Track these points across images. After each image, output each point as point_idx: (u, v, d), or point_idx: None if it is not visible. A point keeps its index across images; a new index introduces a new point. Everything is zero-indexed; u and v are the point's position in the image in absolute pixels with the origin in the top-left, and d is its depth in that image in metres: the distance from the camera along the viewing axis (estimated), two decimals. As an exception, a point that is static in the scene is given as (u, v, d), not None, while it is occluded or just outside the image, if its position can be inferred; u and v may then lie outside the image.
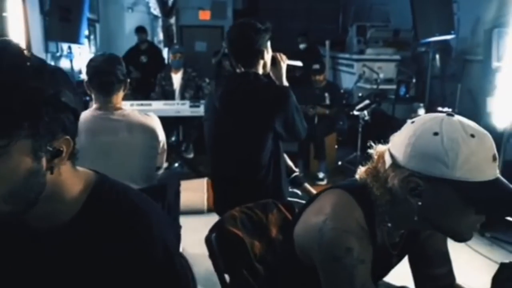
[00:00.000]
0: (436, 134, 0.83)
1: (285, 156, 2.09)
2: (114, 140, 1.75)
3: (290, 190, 2.04)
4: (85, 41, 5.96)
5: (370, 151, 0.99)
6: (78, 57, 5.58)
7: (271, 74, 1.85)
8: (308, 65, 4.20)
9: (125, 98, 4.92)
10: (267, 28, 1.72)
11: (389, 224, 0.96)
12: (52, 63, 4.26)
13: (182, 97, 4.22)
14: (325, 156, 4.17)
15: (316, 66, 4.18)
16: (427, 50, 4.37)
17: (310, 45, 5.37)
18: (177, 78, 4.24)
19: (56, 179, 0.72)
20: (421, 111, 3.68)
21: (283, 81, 1.82)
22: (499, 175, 0.85)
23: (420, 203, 0.87)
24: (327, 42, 5.84)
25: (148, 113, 1.93)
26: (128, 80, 1.89)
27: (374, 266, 0.99)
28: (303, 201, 1.60)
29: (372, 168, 0.96)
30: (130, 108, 1.95)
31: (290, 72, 1.95)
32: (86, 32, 5.92)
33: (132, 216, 0.79)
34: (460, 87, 4.25)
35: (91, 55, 6.07)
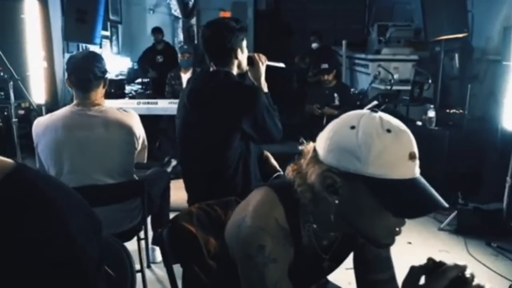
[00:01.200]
0: (352, 128, 0.80)
1: (269, 155, 2.07)
2: (90, 135, 1.80)
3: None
4: (107, 42, 6.20)
5: (300, 147, 0.94)
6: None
7: (249, 74, 1.84)
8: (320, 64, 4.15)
9: (142, 96, 5.03)
10: (241, 27, 1.72)
11: (314, 225, 0.93)
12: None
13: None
14: (332, 158, 4.08)
15: (325, 66, 4.11)
16: (445, 49, 4.19)
17: (322, 45, 5.29)
18: (186, 78, 4.30)
19: None
20: (431, 113, 3.53)
21: (261, 82, 1.81)
22: (417, 176, 0.80)
23: (337, 201, 0.83)
24: (344, 42, 5.73)
25: (128, 110, 1.97)
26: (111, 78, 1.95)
27: (303, 269, 0.96)
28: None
29: (297, 164, 0.92)
30: (113, 105, 2.00)
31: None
32: (107, 33, 6.17)
33: (34, 202, 0.81)
34: (481, 88, 4.04)
35: (113, 56, 6.30)
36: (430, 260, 0.71)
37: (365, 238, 0.88)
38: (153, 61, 5.45)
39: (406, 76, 4.93)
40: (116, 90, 4.92)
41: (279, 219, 0.89)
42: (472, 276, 0.67)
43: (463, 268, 0.68)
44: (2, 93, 4.12)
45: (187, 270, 1.39)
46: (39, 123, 1.83)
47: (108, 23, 6.17)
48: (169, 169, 3.63)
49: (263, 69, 1.84)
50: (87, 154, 1.80)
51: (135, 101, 3.86)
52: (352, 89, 5.28)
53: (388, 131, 0.78)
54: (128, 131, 1.87)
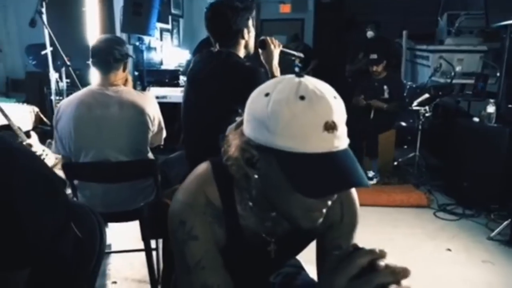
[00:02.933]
0: (266, 95, 0.72)
1: None
2: (106, 113, 1.89)
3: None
4: (167, 35, 6.50)
5: (237, 118, 0.86)
6: (160, 50, 6.11)
7: (261, 58, 1.80)
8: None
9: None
10: (246, 6, 1.67)
11: (250, 203, 0.86)
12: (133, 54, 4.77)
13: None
14: (377, 154, 3.84)
15: (374, 56, 3.88)
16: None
17: (378, 35, 4.97)
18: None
19: None
20: (491, 109, 3.14)
21: (273, 66, 1.75)
22: (338, 149, 0.69)
23: (256, 176, 0.77)
24: (404, 33, 5.34)
25: (144, 92, 2.03)
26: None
27: (245, 252, 0.90)
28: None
29: (227, 136, 0.85)
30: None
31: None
32: (168, 26, 6.46)
33: None
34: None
35: (173, 48, 6.59)
36: (353, 246, 0.62)
37: (285, 219, 0.80)
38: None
39: (472, 68, 4.46)
40: (170, 79, 5.15)
41: (211, 196, 0.85)
42: (387, 266, 0.57)
43: (378, 255, 0.58)
44: (69, 80, 4.53)
45: (166, 244, 1.40)
46: (62, 103, 1.97)
47: (170, 17, 6.45)
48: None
49: (276, 53, 1.78)
50: (102, 131, 1.89)
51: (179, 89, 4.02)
52: (409, 83, 4.92)
53: (302, 98, 0.68)
54: (141, 111, 1.93)
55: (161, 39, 6.21)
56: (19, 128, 2.71)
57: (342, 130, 0.70)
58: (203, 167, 0.90)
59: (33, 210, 0.85)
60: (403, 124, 4.50)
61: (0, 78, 5.35)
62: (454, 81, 4.17)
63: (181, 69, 5.83)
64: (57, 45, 3.19)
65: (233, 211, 0.87)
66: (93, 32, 3.96)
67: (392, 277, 0.56)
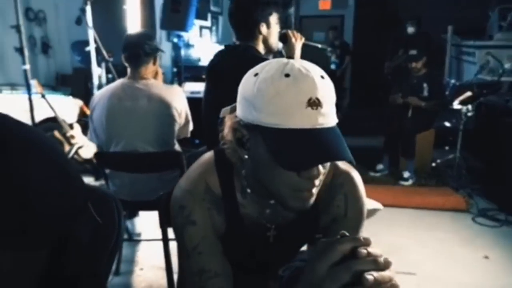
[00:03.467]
0: (256, 75, 0.74)
1: None
2: (135, 105, 1.96)
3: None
4: (207, 32, 6.61)
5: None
6: (198, 47, 6.23)
7: (283, 52, 1.79)
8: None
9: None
10: (270, 1, 1.65)
11: (248, 190, 0.86)
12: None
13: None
14: (414, 155, 3.69)
15: (413, 52, 3.73)
16: None
17: (420, 30, 4.75)
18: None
19: None
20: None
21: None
22: (320, 126, 0.68)
23: (246, 156, 0.78)
24: (450, 28, 5.08)
25: (172, 86, 2.09)
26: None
27: (245, 239, 0.91)
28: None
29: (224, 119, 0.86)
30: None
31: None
32: (208, 24, 6.57)
33: None
34: None
35: (212, 45, 6.70)
36: (341, 234, 0.60)
37: (275, 199, 0.80)
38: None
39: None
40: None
41: (211, 184, 0.86)
42: (369, 254, 0.55)
43: (361, 242, 0.57)
44: (110, 76, 4.74)
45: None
46: (96, 94, 2.07)
47: (209, 14, 6.55)
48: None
49: (297, 47, 1.76)
50: (132, 122, 1.97)
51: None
52: (452, 81, 4.68)
53: (287, 75, 0.69)
54: (168, 104, 1.98)
55: (200, 36, 6.33)
56: (63, 120, 2.89)
57: (328, 108, 0.70)
58: (207, 155, 0.92)
59: (44, 193, 0.89)
60: (447, 124, 4.28)
61: (50, 73, 5.70)
62: (503, 79, 3.91)
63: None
64: (99, 42, 3.35)
65: (233, 200, 0.87)
66: (133, 29, 4.12)
67: (373, 265, 0.54)
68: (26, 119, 2.93)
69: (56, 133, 2.61)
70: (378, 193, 2.84)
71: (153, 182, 2.00)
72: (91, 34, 3.34)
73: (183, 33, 4.99)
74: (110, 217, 1.22)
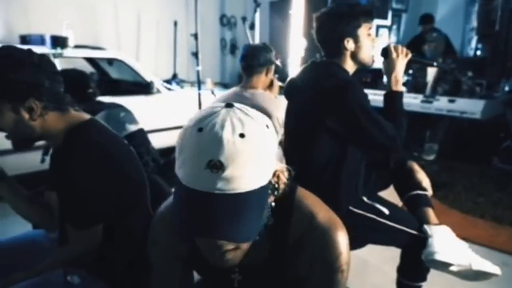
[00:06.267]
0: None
1: (415, 167, 1.73)
2: (240, 113, 2.09)
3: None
4: (384, 31, 6.19)
5: None
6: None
7: (382, 67, 1.59)
8: None
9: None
10: (354, 12, 1.45)
11: None
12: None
13: (434, 91, 3.75)
14: None
15: None
16: None
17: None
18: (432, 70, 3.79)
19: (43, 123, 1.08)
20: None
21: (392, 78, 1.52)
22: (218, 191, 0.62)
23: None
24: None
25: (279, 96, 2.11)
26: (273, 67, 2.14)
27: (208, 274, 0.93)
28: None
29: None
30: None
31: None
32: (387, 23, 6.13)
33: (81, 145, 1.13)
34: None
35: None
36: None
37: None
38: (419, 51, 5.05)
39: None
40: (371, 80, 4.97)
41: None
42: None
43: None
44: (277, 75, 5.09)
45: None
46: (217, 98, 2.30)
47: (390, 12, 6.13)
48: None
49: (399, 64, 1.52)
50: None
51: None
52: None
53: (200, 130, 0.64)
54: (269, 115, 2.02)
55: (377, 36, 6.00)
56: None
57: (238, 172, 0.62)
58: None
59: (94, 187, 1.10)
60: None
61: (235, 72, 6.52)
62: None
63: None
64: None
65: None
66: (296, 32, 4.31)
67: None
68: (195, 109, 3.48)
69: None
70: None
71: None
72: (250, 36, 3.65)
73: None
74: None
